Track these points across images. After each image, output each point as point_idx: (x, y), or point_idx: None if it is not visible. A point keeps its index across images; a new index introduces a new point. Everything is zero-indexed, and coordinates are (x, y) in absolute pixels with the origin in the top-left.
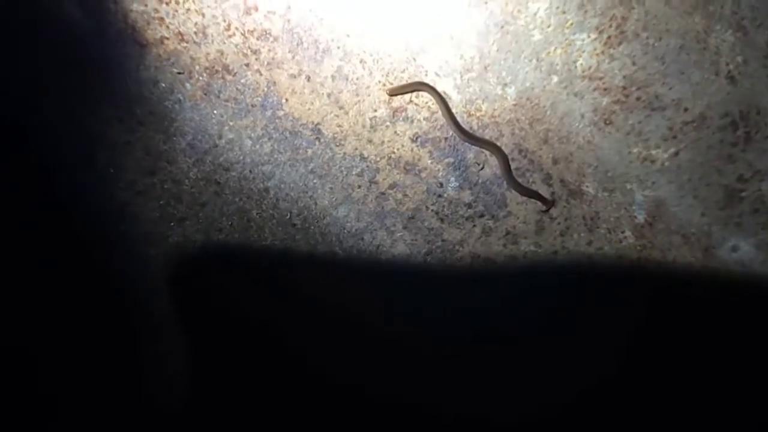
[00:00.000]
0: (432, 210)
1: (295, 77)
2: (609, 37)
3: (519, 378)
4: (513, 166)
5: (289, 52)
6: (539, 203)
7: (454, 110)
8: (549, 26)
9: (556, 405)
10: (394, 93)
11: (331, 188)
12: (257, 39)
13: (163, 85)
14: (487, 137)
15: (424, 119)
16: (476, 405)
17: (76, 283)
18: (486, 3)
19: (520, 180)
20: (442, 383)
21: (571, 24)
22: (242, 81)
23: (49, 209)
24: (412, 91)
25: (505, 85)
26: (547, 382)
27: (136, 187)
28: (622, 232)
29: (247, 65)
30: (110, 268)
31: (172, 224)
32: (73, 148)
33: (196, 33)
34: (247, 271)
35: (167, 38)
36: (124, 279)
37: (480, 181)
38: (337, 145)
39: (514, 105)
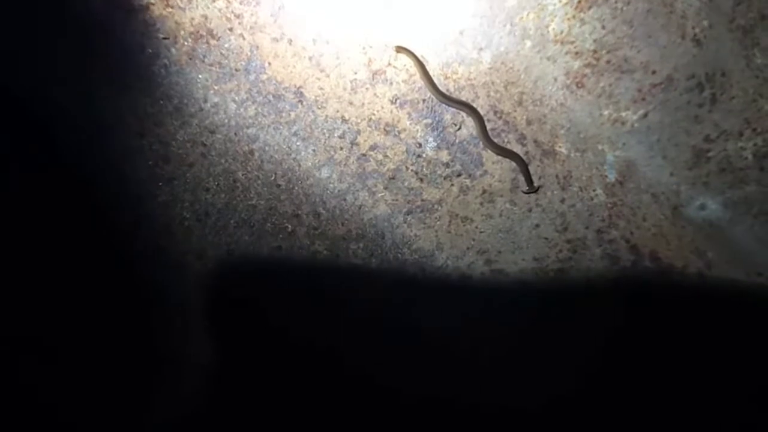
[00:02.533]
0: (411, 170)
1: (277, 41)
2: (579, 2)
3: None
4: (488, 126)
5: (271, 15)
6: (525, 185)
7: (431, 73)
8: None
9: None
10: (399, 50)
11: (313, 150)
12: (240, 3)
13: (150, 50)
14: (463, 99)
15: (402, 81)
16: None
17: (73, 248)
18: None
19: (495, 140)
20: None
21: None
22: (226, 45)
23: (43, 171)
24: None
25: (481, 49)
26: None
27: (125, 148)
28: (594, 191)
29: (230, 30)
30: (103, 230)
31: (160, 184)
32: (64, 111)
33: None
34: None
35: (153, 4)
36: (116, 242)
37: (457, 141)
38: (319, 108)
39: (490, 68)
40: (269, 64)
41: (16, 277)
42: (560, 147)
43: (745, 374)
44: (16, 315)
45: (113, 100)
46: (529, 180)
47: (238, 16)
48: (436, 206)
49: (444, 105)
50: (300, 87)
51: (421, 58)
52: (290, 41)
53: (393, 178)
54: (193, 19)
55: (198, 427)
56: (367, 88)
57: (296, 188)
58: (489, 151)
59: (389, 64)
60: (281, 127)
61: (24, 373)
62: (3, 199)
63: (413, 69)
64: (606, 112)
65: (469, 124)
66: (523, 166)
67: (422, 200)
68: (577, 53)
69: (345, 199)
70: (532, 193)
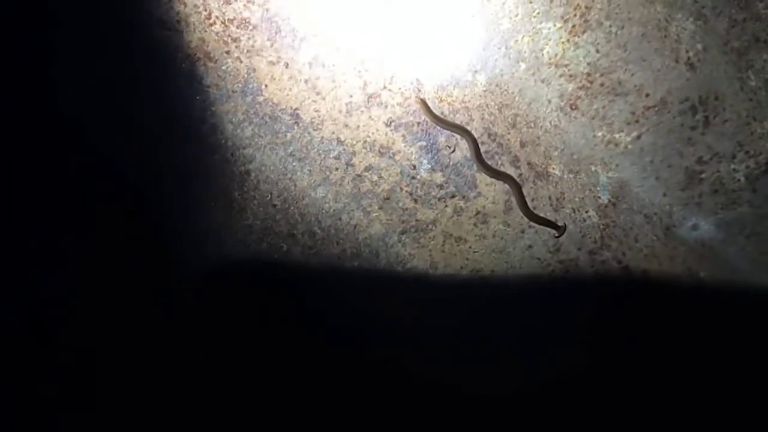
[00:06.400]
0: (406, 191)
1: (273, 64)
2: (574, 26)
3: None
4: (482, 149)
5: (267, 40)
6: (552, 230)
7: (426, 96)
8: (517, 15)
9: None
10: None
11: (309, 170)
12: (237, 27)
13: (149, 71)
14: (457, 122)
15: (397, 104)
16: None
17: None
18: None
19: (489, 162)
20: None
21: (538, 13)
22: (223, 68)
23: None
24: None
25: (476, 71)
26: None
27: (125, 171)
28: (586, 212)
29: (227, 52)
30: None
31: (158, 203)
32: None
33: (178, 21)
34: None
35: (151, 27)
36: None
37: (451, 163)
38: (314, 129)
39: (484, 91)
40: (266, 86)
41: None
42: (553, 169)
43: (734, 385)
44: None
45: (113, 123)
46: (523, 202)
47: (235, 40)
48: (430, 226)
49: (438, 128)
50: (296, 109)
51: (416, 81)
52: (286, 64)
53: (388, 199)
54: (190, 42)
55: None
56: (362, 111)
57: (292, 208)
58: (483, 173)
59: (384, 87)
60: (277, 147)
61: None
62: None
63: (408, 92)
64: (599, 134)
65: (463, 147)
66: (517, 188)
67: (416, 220)
68: (571, 76)
69: (340, 219)
70: (562, 233)
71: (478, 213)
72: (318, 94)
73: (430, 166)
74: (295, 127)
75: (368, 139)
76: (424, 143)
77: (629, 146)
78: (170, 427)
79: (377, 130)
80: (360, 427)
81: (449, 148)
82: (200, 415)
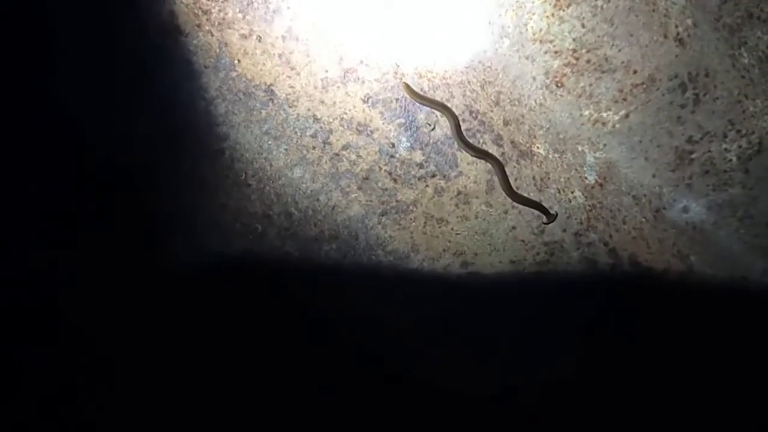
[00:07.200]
0: (385, 170)
1: (246, 38)
2: None
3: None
4: (464, 127)
5: (239, 12)
6: (542, 215)
7: (405, 72)
8: None
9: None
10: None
11: (285, 149)
12: None
13: (117, 46)
14: (438, 99)
15: (374, 80)
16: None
17: None
18: None
19: (471, 141)
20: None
21: None
22: (194, 42)
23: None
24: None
25: (457, 47)
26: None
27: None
28: (572, 192)
29: (198, 26)
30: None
31: (128, 182)
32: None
33: None
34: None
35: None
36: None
37: (431, 141)
38: (290, 106)
39: (466, 67)
40: (238, 61)
41: None
42: (538, 148)
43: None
44: None
45: (80, 102)
46: (506, 182)
47: (205, 12)
48: (410, 207)
49: (418, 104)
50: (270, 85)
51: (394, 56)
52: (259, 38)
53: (366, 179)
54: (159, 14)
55: None
56: (338, 87)
57: (267, 188)
58: (464, 152)
59: (361, 62)
60: (252, 125)
61: None
62: None
63: (385, 68)
64: (586, 113)
65: (444, 124)
66: (500, 167)
67: (396, 201)
68: (556, 52)
69: (318, 200)
70: (552, 220)
71: (459, 193)
72: (293, 69)
73: (409, 144)
74: (270, 104)
75: (345, 116)
76: (402, 120)
77: (617, 125)
78: (161, 423)
79: (354, 107)
80: (344, 424)
81: (429, 125)
82: (180, 401)
